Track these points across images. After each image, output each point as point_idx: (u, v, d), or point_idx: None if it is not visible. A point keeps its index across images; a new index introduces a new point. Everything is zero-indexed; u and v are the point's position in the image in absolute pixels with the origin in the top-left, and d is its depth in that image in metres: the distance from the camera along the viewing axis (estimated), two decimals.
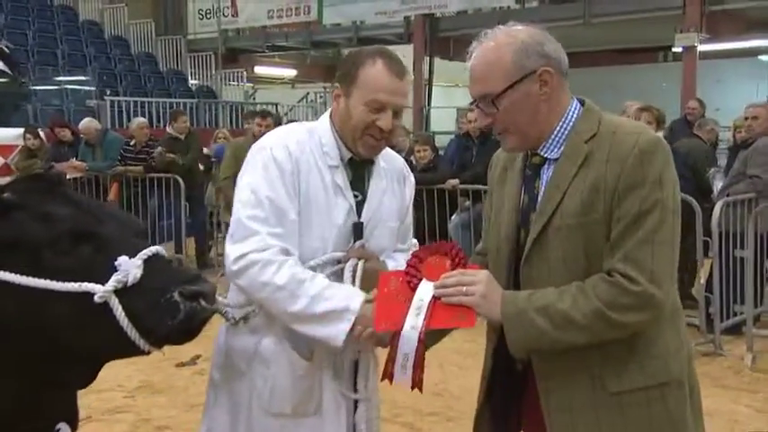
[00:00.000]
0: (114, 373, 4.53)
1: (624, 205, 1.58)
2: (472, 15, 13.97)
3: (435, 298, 1.68)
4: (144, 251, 1.59)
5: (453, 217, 6.80)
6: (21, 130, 9.16)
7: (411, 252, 1.88)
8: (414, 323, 1.66)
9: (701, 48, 11.59)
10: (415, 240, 2.23)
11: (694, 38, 11.33)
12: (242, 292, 1.86)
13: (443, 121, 14.79)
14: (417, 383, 1.70)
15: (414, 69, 14.39)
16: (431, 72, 14.52)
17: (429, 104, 14.79)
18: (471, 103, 1.76)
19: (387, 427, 2.63)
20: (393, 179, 2.09)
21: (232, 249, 1.85)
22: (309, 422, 1.93)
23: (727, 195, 5.29)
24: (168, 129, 8.85)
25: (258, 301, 1.87)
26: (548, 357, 1.67)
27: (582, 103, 1.74)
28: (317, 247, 1.91)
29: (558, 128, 1.70)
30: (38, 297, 1.52)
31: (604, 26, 12.63)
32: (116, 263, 1.54)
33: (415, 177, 7.37)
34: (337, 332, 1.79)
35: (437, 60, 14.72)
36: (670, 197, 1.61)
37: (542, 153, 1.72)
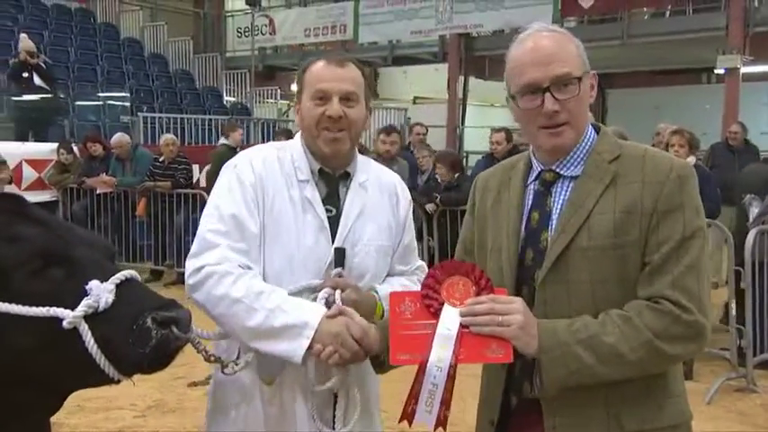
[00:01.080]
0: (128, 391, 4.54)
1: (663, 230, 1.52)
2: (509, 35, 13.87)
3: (463, 326, 1.54)
4: (116, 275, 1.55)
5: None
6: (55, 145, 9.39)
7: (426, 271, 1.80)
8: (441, 356, 1.52)
9: (745, 69, 11.34)
10: (421, 263, 2.14)
11: (737, 59, 11.09)
12: (200, 308, 1.81)
13: (477, 140, 14.70)
14: (442, 422, 1.54)
15: (448, 88, 14.41)
16: (465, 91, 14.47)
17: (463, 124, 14.73)
18: (528, 93, 1.60)
19: None
20: (383, 195, 2.02)
21: (190, 263, 1.82)
22: None
23: (763, 223, 5.11)
24: (223, 140, 9.03)
25: (216, 318, 1.81)
26: (559, 392, 1.56)
27: (596, 128, 1.69)
28: (283, 266, 1.86)
29: (580, 144, 1.64)
30: (3, 321, 1.48)
31: (643, 47, 12.45)
32: (87, 287, 1.51)
33: (440, 197, 7.32)
34: (296, 348, 1.71)
35: (472, 79, 14.67)
36: (705, 225, 1.58)
37: (558, 169, 1.65)
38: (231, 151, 8.52)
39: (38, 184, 8.98)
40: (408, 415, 1.55)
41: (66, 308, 1.48)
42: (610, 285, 1.55)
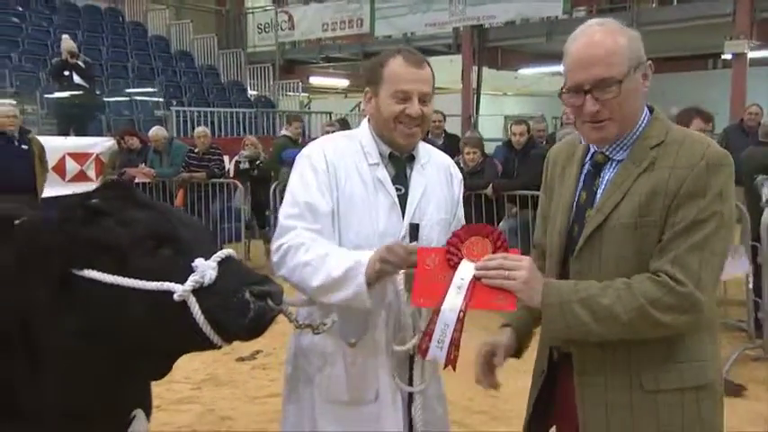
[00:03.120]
0: (182, 365, 4.67)
1: (681, 212, 1.57)
2: (520, 26, 13.86)
3: (476, 279, 1.67)
4: (218, 253, 1.63)
5: (501, 223, 6.78)
6: (96, 139, 9.52)
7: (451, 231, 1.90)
8: (453, 302, 1.67)
9: (752, 54, 11.27)
10: None
11: (744, 45, 11.02)
12: (286, 282, 1.91)
13: (491, 128, 14.72)
14: (452, 361, 1.69)
15: (462, 79, 14.40)
16: (479, 81, 14.47)
17: (477, 112, 14.74)
18: (572, 93, 1.66)
19: None
20: (440, 174, 2.12)
21: (273, 246, 1.96)
22: (368, 409, 1.97)
23: None
24: (284, 131, 9.15)
25: (297, 286, 1.91)
26: (588, 352, 1.66)
27: (651, 110, 1.72)
28: (358, 244, 1.94)
29: (631, 130, 1.69)
30: (123, 296, 1.57)
31: (652, 34, 12.35)
32: (193, 264, 1.59)
33: (464, 181, 7.35)
34: (357, 287, 1.80)
35: (485, 70, 14.65)
36: (728, 211, 1.60)
37: (607, 153, 1.72)
38: (290, 141, 8.65)
39: (80, 177, 9.09)
40: (423, 351, 1.72)
41: (176, 283, 1.56)
42: (631, 261, 1.62)
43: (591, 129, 1.67)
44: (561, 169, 1.85)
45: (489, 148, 10.04)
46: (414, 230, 1.98)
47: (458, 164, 6.93)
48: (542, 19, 13.13)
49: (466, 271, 1.69)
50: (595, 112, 1.63)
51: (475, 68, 14.30)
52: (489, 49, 14.39)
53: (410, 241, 1.96)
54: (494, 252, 1.71)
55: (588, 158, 1.79)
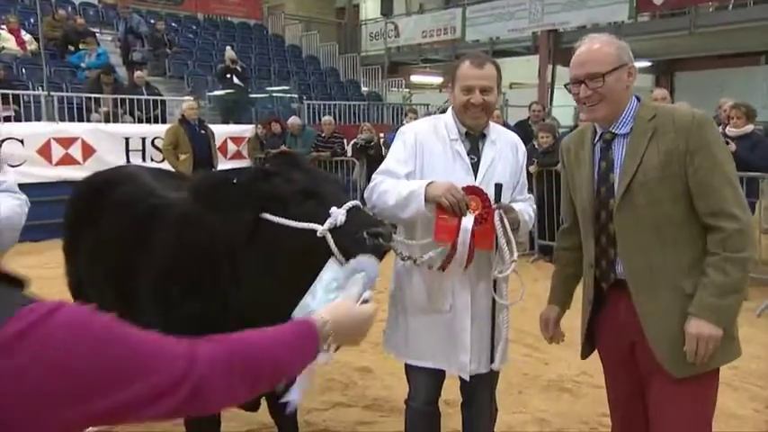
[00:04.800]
0: None
1: (696, 161, 1.74)
2: (590, 29, 13.28)
3: (474, 225, 2.03)
4: (347, 204, 1.86)
5: None
6: (249, 126, 10.13)
7: (533, 202, 2.25)
8: (463, 240, 2.03)
9: None
10: (530, 196, 2.42)
11: None
12: (374, 213, 2.16)
13: (563, 116, 14.27)
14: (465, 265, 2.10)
15: (539, 75, 14.01)
16: (553, 77, 14.06)
17: (551, 104, 14.35)
18: (574, 83, 1.88)
19: (513, 346, 2.83)
20: (506, 147, 2.28)
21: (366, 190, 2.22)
22: (443, 316, 2.22)
23: None
24: (405, 120, 9.46)
25: (382, 211, 2.14)
26: (639, 277, 1.83)
27: (638, 98, 1.89)
28: None
29: (625, 112, 1.86)
30: (283, 231, 1.85)
31: (708, 35, 11.56)
32: (330, 211, 1.84)
33: (538, 160, 7.48)
34: (418, 204, 2.05)
35: (559, 68, 14.17)
36: (724, 152, 1.77)
37: (613, 130, 1.88)
38: None
39: (237, 155, 9.75)
40: (443, 269, 2.11)
41: (319, 224, 1.82)
42: (665, 203, 1.77)
43: (586, 109, 1.87)
44: (575, 153, 2.00)
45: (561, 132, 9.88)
46: (498, 189, 2.14)
47: (533, 146, 7.02)
48: (610, 23, 12.52)
49: (468, 221, 2.03)
50: (586, 97, 1.83)
51: (550, 67, 13.88)
52: (563, 50, 13.84)
53: (495, 198, 2.13)
54: (482, 207, 2.06)
55: (598, 138, 1.94)
